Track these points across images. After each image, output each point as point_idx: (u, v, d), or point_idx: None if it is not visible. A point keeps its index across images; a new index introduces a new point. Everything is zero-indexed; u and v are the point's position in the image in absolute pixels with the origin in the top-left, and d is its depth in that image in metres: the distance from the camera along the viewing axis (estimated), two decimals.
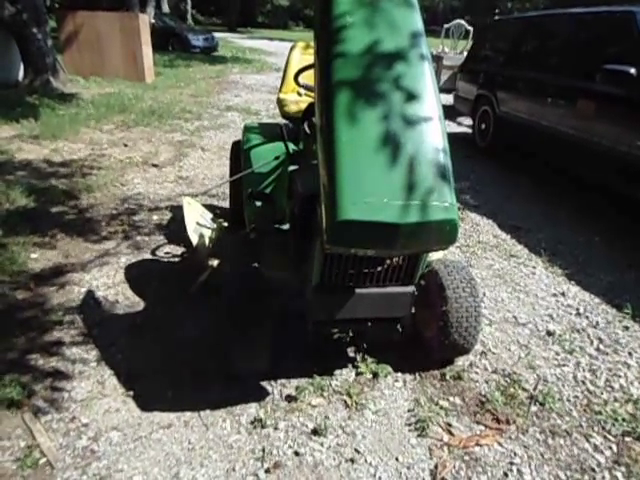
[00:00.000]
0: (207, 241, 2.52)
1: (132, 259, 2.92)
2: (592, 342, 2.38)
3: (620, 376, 2.15)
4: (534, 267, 3.11)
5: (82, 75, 8.74)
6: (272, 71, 12.74)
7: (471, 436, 1.81)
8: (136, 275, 2.75)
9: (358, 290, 1.82)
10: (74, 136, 5.35)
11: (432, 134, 1.52)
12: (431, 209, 1.45)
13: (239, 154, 2.91)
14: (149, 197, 3.90)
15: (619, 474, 1.68)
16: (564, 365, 2.21)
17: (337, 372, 2.10)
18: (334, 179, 1.43)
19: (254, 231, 2.42)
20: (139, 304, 2.49)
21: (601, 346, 2.35)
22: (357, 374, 2.10)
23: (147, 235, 3.24)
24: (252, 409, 1.89)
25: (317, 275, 1.77)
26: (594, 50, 4.03)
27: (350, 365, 2.14)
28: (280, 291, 2.09)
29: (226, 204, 3.65)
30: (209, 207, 3.30)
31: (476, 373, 2.14)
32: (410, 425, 1.86)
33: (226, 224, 2.88)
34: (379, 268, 1.79)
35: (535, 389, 2.05)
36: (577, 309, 2.66)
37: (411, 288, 1.86)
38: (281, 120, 3.06)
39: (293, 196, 2.05)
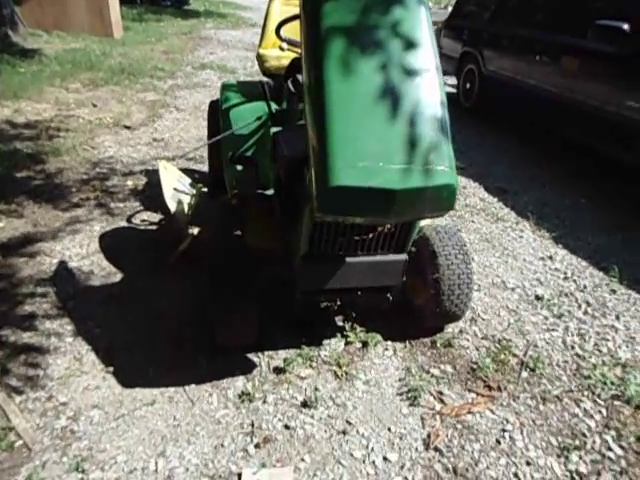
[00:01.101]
0: (186, 208, 2.39)
1: (106, 227, 2.77)
2: (580, 306, 2.38)
3: (608, 340, 2.15)
4: (522, 230, 3.07)
5: (44, 29, 8.18)
6: (248, 27, 12.18)
7: (463, 404, 1.79)
8: (111, 244, 2.61)
9: (348, 259, 1.73)
10: (38, 95, 5.01)
11: (430, 87, 1.40)
12: (429, 173, 1.35)
13: (217, 115, 2.74)
14: (122, 161, 3.69)
15: (609, 438, 1.69)
16: (553, 330, 2.20)
17: (326, 342, 2.05)
18: (325, 141, 1.31)
19: (236, 197, 2.29)
20: (116, 275, 2.37)
21: (589, 310, 2.35)
22: (346, 343, 2.05)
23: (121, 201, 3.08)
24: (239, 382, 1.83)
25: (305, 244, 1.67)
26: (585, 5, 3.89)
27: (339, 334, 2.08)
28: (265, 260, 2.00)
29: (205, 168, 3.49)
30: (187, 171, 3.14)
31: (466, 340, 2.11)
32: (401, 395, 1.82)
33: (205, 189, 2.74)
34: (370, 236, 1.70)
35: (525, 355, 2.04)
36: (565, 273, 2.64)
37: (403, 256, 1.78)
38: (261, 78, 2.87)
39: (278, 160, 1.92)
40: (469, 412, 1.76)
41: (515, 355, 2.03)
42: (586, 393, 1.87)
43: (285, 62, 2.58)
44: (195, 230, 2.28)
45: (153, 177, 3.31)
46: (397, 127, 1.34)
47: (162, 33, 9.80)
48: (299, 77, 2.05)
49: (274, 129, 2.33)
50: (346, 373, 1.90)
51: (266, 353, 1.97)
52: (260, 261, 1.93)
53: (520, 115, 5.05)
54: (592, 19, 3.48)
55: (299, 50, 2.21)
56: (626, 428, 1.72)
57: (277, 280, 2.03)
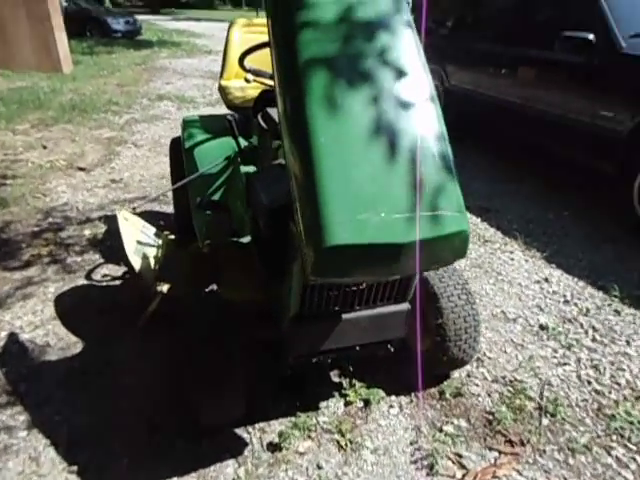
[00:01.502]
0: (152, 262, 2.13)
1: (63, 287, 2.47)
2: (587, 332, 2.23)
3: (624, 369, 2.00)
4: (511, 252, 2.94)
5: None
6: (203, 54, 12.01)
7: (486, 468, 1.58)
8: (69, 308, 2.31)
9: (345, 315, 1.52)
10: None
11: (428, 120, 1.23)
12: (438, 221, 1.16)
13: (180, 153, 2.51)
14: (77, 207, 3.39)
15: None
16: (565, 364, 2.04)
17: (322, 404, 1.81)
18: (314, 190, 1.11)
19: (208, 246, 2.06)
20: (76, 345, 2.08)
21: (597, 336, 2.20)
22: (346, 404, 1.82)
23: (79, 254, 2.78)
24: (229, 469, 1.57)
25: (295, 304, 1.45)
26: (551, 16, 3.88)
27: (336, 393, 1.86)
28: (245, 315, 1.76)
29: (171, 209, 3.22)
30: (151, 215, 2.88)
31: (476, 385, 1.92)
32: (416, 462, 1.60)
33: (173, 237, 2.48)
34: (368, 287, 1.50)
35: (542, 397, 1.86)
36: (564, 296, 2.50)
37: (406, 305, 1.58)
38: (225, 110, 2.66)
39: (254, 208, 1.71)
40: (494, 477, 1.56)
41: (531, 398, 1.85)
42: (615, 437, 1.69)
43: (252, 94, 2.39)
44: (164, 287, 2.03)
45: (113, 224, 3.02)
46: (397, 169, 1.16)
47: (115, 65, 9.50)
48: (270, 111, 1.86)
49: (245, 169, 2.12)
50: (350, 442, 1.67)
51: (257, 426, 1.72)
52: (241, 320, 1.70)
53: (489, 129, 5.01)
54: (558, 30, 3.44)
55: (267, 81, 2.02)
56: None
57: (262, 342, 1.79)
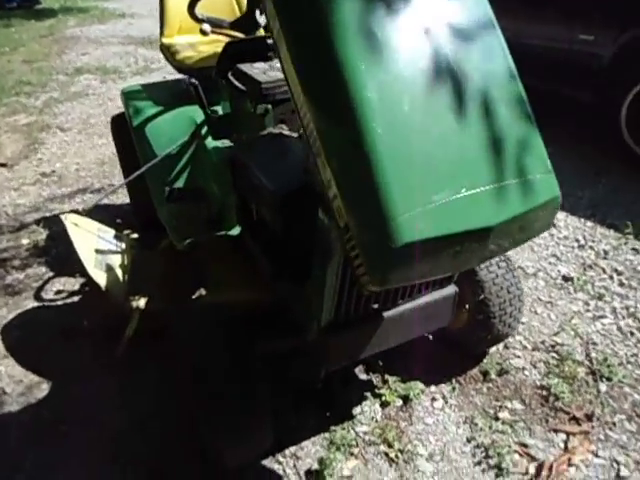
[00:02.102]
0: (119, 273, 1.74)
1: (8, 314, 2.02)
2: (612, 278, 2.07)
3: None
4: None
5: None
6: (117, 18, 10.81)
7: (560, 456, 1.39)
8: (22, 339, 1.89)
9: (387, 313, 1.24)
10: None
11: (496, 53, 0.93)
12: (530, 187, 0.88)
13: (126, 133, 2.06)
14: (6, 212, 2.84)
15: None
16: (601, 317, 1.87)
17: (357, 411, 1.55)
18: (369, 172, 0.79)
19: (183, 243, 1.69)
20: (41, 387, 1.68)
21: (623, 280, 2.05)
22: (383, 405, 1.57)
23: (20, 270, 2.31)
24: None
25: (329, 311, 1.14)
26: None
27: (369, 394, 1.60)
28: (253, 322, 1.45)
29: (124, 199, 2.76)
30: (103, 213, 2.42)
31: (517, 357, 1.72)
32: (480, 463, 1.39)
33: (136, 236, 2.08)
34: None
35: (590, 360, 1.68)
36: (577, 240, 2.33)
37: (452, 288, 1.32)
38: (169, 74, 2.21)
39: (250, 192, 1.36)
40: (570, 464, 1.37)
41: (580, 363, 1.67)
42: None
43: (207, 51, 1.96)
44: (141, 302, 1.65)
45: (55, 226, 2.55)
46: (469, 126, 0.85)
47: (16, 40, 8.33)
48: (244, 68, 1.47)
49: (218, 143, 1.73)
50: (401, 452, 1.43)
51: (288, 452, 1.44)
52: (251, 329, 1.39)
53: None
54: None
55: (230, 32, 1.62)
56: None
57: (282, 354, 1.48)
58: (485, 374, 1.65)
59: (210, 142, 1.80)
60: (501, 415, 1.52)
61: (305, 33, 0.86)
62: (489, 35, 0.92)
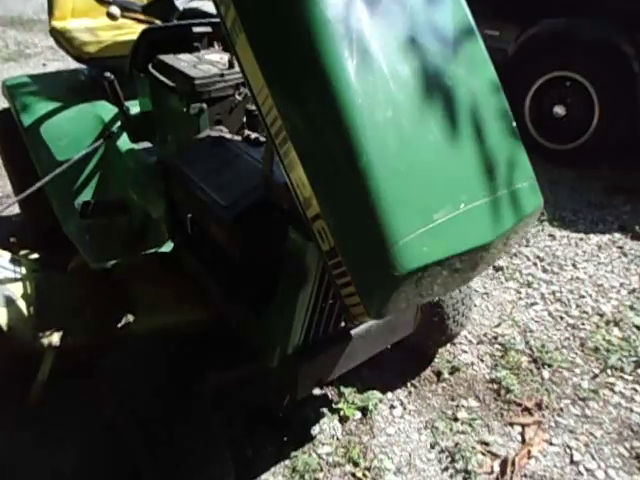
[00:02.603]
0: (23, 306, 1.45)
1: None
2: (536, 265, 2.18)
3: (584, 296, 1.99)
4: None
5: None
6: None
7: (519, 451, 1.41)
8: None
9: (355, 331, 1.15)
10: None
11: (480, 64, 0.86)
12: (518, 198, 0.84)
13: (14, 134, 1.73)
14: None
15: None
16: (533, 304, 1.96)
17: (316, 430, 1.46)
18: (364, 189, 0.69)
19: (103, 263, 1.46)
20: None
21: (546, 266, 2.17)
22: (341, 420, 1.49)
23: None
24: None
25: (296, 337, 1.03)
26: None
27: (325, 410, 1.51)
28: (194, 349, 1.30)
29: (12, 211, 2.35)
30: None
31: (465, 352, 1.74)
32: (447, 469, 1.37)
33: (36, 255, 1.76)
34: None
35: (530, 348, 1.75)
36: None
37: None
38: (51, 61, 1.90)
39: (178, 201, 1.19)
40: (530, 457, 1.40)
41: (522, 352, 1.73)
42: (610, 372, 1.66)
43: (113, 37, 1.70)
44: (54, 337, 1.39)
45: None
46: (462, 137, 0.78)
47: None
48: (167, 59, 1.27)
49: (134, 146, 1.51)
50: (367, 469, 1.36)
51: None
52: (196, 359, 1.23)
53: None
54: None
55: (143, 17, 1.41)
56: None
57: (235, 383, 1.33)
58: (438, 374, 1.64)
59: (125, 144, 1.57)
60: (459, 415, 1.51)
61: (276, 28, 0.72)
62: (472, 44, 0.85)
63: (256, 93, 0.77)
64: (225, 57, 1.32)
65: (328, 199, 0.71)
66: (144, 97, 1.42)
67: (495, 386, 1.61)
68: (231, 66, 1.23)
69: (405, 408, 1.54)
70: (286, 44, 0.71)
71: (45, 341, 1.39)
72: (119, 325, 1.49)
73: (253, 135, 1.16)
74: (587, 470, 1.37)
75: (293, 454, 1.38)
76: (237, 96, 1.22)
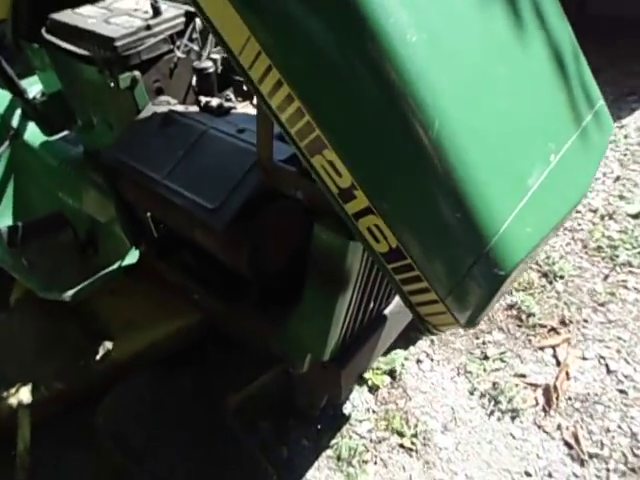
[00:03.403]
0: None
1: None
2: None
3: None
4: None
5: None
6: None
7: (557, 376, 1.36)
8: None
9: (386, 310, 0.99)
10: None
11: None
12: (600, 121, 0.66)
13: None
14: None
15: None
16: None
17: (349, 408, 1.34)
18: (443, 164, 0.49)
19: (58, 292, 1.19)
20: None
21: None
22: (371, 390, 1.38)
23: None
24: None
25: (333, 343, 0.85)
26: None
27: (355, 387, 1.39)
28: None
29: None
30: None
31: None
32: (493, 413, 1.31)
33: None
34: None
35: (537, 263, 1.68)
36: None
37: None
38: None
39: (139, 204, 0.93)
40: (568, 378, 1.36)
41: (530, 269, 1.66)
42: (619, 270, 1.63)
43: None
44: (22, 393, 1.14)
45: None
46: (534, 75, 0.58)
47: None
48: (70, 19, 0.95)
49: (45, 139, 1.19)
50: (414, 436, 1.27)
51: None
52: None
53: None
54: None
55: None
56: None
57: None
58: None
59: (37, 140, 1.24)
60: (488, 352, 1.44)
61: None
62: None
63: (239, 46, 0.52)
64: (142, 2, 1.01)
65: (386, 188, 0.51)
66: (45, 74, 1.09)
67: (515, 312, 1.54)
68: (156, 12, 0.93)
69: (432, 359, 1.45)
70: None
71: (13, 401, 1.14)
72: (97, 358, 1.25)
73: (214, 101, 0.90)
74: (625, 377, 1.34)
75: (333, 442, 1.27)
76: (177, 52, 0.94)
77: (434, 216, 0.51)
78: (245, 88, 0.93)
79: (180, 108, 0.91)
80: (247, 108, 0.92)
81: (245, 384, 1.10)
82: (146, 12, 0.96)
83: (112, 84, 0.90)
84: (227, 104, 0.88)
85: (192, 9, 0.98)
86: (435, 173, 0.48)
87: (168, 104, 0.93)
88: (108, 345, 1.27)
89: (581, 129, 0.60)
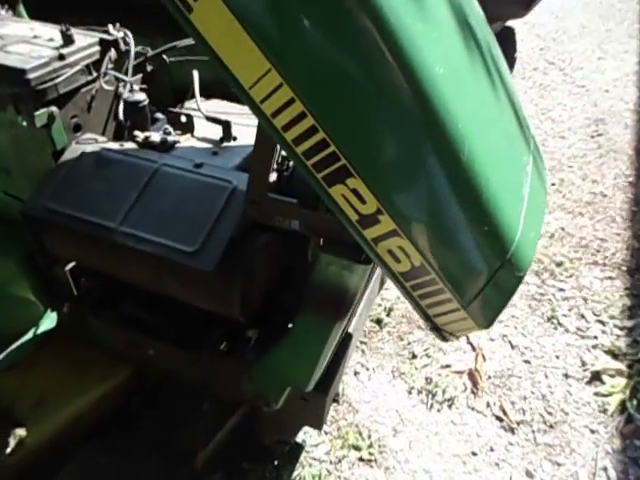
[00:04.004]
0: None
1: None
2: None
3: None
4: None
5: None
6: None
7: (474, 359, 1.52)
8: None
9: (350, 326, 1.01)
10: None
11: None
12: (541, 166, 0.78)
13: None
14: None
15: None
16: None
17: (301, 436, 1.32)
18: (469, 182, 0.54)
19: None
20: None
21: None
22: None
23: None
24: None
25: (319, 372, 0.84)
26: None
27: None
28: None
29: None
30: None
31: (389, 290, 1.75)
32: (432, 406, 1.40)
33: None
34: None
35: None
36: None
37: None
38: None
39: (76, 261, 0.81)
40: (484, 360, 1.53)
41: None
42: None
43: None
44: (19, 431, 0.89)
45: None
46: (500, 97, 0.67)
47: None
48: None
49: None
50: (371, 446, 1.30)
51: None
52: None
53: None
54: None
55: None
56: None
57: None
58: (379, 321, 1.62)
59: None
60: (415, 350, 1.54)
61: None
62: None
63: (252, 79, 0.50)
64: (38, 27, 0.89)
65: (413, 211, 0.53)
66: None
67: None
68: (68, 40, 0.83)
69: (368, 368, 1.50)
70: None
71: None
72: (8, 451, 1.03)
73: (154, 136, 0.82)
74: (526, 348, 1.56)
75: (294, 475, 1.23)
76: (102, 83, 0.84)
77: (463, 233, 0.54)
78: (184, 119, 0.87)
79: (114, 146, 0.81)
80: (190, 141, 0.86)
81: (208, 436, 1.01)
82: (51, 39, 0.84)
83: (24, 123, 0.77)
84: (170, 138, 0.82)
85: (105, 37, 0.89)
86: (466, 192, 0.52)
87: (96, 142, 0.82)
88: (19, 432, 1.06)
89: (532, 145, 0.71)
